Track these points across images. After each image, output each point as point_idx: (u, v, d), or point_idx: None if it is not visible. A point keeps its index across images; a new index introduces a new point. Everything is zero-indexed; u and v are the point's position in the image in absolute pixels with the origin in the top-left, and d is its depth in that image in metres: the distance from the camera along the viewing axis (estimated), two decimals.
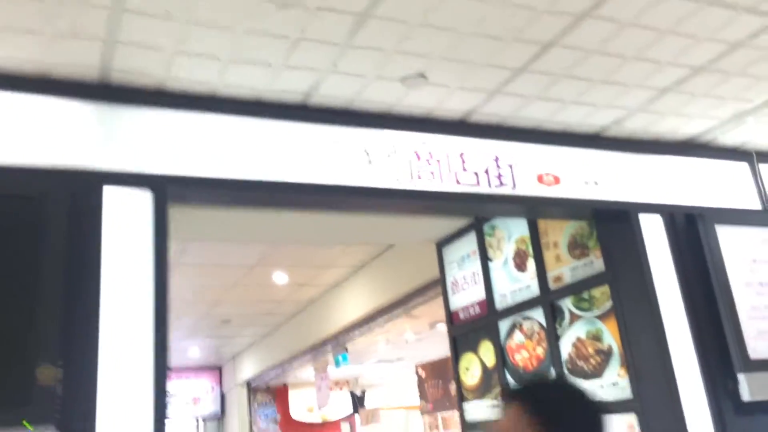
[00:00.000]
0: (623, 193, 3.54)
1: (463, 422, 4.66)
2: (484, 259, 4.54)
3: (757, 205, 3.88)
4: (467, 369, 4.66)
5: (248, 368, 11.02)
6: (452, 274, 4.90)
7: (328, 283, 7.70)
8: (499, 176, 3.27)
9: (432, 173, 3.12)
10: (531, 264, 4.14)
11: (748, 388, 3.20)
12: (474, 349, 4.59)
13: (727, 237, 3.55)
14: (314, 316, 8.52)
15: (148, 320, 2.52)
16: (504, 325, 4.33)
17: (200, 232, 4.63)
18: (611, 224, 3.59)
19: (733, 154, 3.92)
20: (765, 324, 3.38)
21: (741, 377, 3.23)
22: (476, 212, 3.84)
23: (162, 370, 2.46)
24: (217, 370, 12.43)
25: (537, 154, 3.41)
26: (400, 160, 3.09)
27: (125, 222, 2.57)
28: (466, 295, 4.71)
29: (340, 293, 7.84)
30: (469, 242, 4.70)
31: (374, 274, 7.12)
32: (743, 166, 3.94)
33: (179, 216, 4.14)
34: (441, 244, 5.03)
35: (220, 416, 12.30)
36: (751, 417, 3.29)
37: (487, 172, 3.26)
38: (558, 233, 3.97)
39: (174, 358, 10.86)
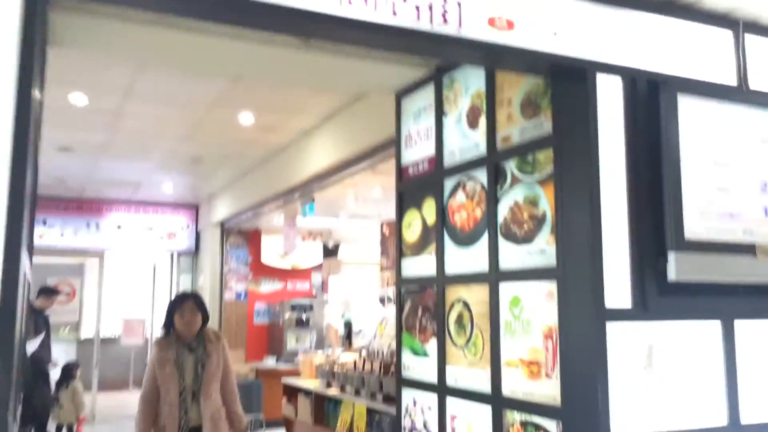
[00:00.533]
0: (583, 49, 3.20)
1: (399, 278, 4.60)
2: (439, 114, 4.26)
3: (732, 81, 3.55)
4: (409, 225, 4.54)
5: (222, 209, 11.05)
6: (407, 127, 4.65)
7: (297, 129, 7.47)
8: (444, 13, 2.92)
9: (365, 0, 2.78)
10: (483, 122, 3.87)
11: (675, 267, 3.06)
12: (418, 206, 4.44)
13: (690, 110, 3.26)
14: (284, 163, 8.37)
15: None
16: (449, 184, 4.14)
17: (158, 56, 4.32)
18: (566, 83, 3.28)
19: (717, 20, 3.53)
20: (710, 206, 3.18)
21: (671, 256, 3.08)
22: (413, 51, 3.44)
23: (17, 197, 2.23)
24: (193, 208, 12.49)
25: None
26: None
27: None
28: (418, 150, 4.48)
29: (309, 142, 7.64)
30: (427, 95, 4.40)
31: (342, 125, 6.87)
32: (726, 36, 3.55)
33: (131, 36, 3.83)
34: (400, 95, 4.73)
35: (194, 253, 12.51)
36: (675, 298, 3.18)
37: (430, 7, 2.90)
38: (513, 90, 3.66)
39: (148, 192, 10.94)
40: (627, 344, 3.11)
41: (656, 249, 3.15)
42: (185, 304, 4.51)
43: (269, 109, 6.78)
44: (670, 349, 3.19)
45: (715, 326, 3.33)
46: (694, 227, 3.12)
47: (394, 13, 2.83)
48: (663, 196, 3.13)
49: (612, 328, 3.09)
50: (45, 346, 7.84)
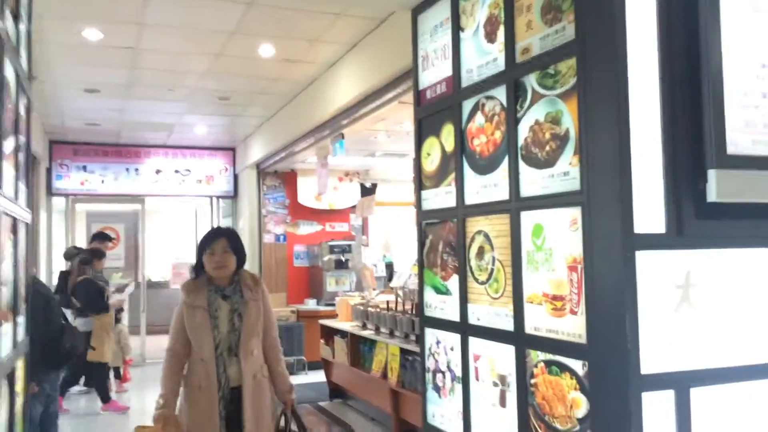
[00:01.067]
0: None
1: (419, 211, 4.30)
2: (456, 29, 3.86)
3: None
4: (428, 154, 4.21)
5: (256, 151, 10.88)
6: (424, 47, 4.26)
7: (321, 61, 7.13)
8: None
9: None
10: (501, 33, 3.47)
11: (716, 186, 2.65)
12: (437, 132, 4.09)
13: (733, 6, 2.79)
14: (311, 98, 8.08)
15: None
16: (467, 106, 3.77)
17: None
18: None
19: None
20: (756, 114, 2.74)
21: (711, 174, 2.68)
22: None
23: None
24: (230, 151, 12.38)
25: None
26: None
27: None
28: (435, 71, 4.11)
29: (334, 73, 7.30)
30: (443, 8, 3.99)
31: (366, 53, 6.51)
32: None
33: None
34: (416, 12, 4.33)
35: (233, 196, 12.46)
36: (715, 222, 2.79)
37: None
38: None
39: (182, 135, 10.83)
40: (660, 275, 2.75)
41: (694, 166, 2.75)
42: (217, 241, 3.77)
43: (288, 39, 6.44)
44: (709, 279, 2.82)
45: (761, 254, 2.94)
46: (739, 140, 2.69)
47: None
48: (702, 105, 2.71)
49: (643, 257, 2.72)
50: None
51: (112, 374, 8.76)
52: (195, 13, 5.72)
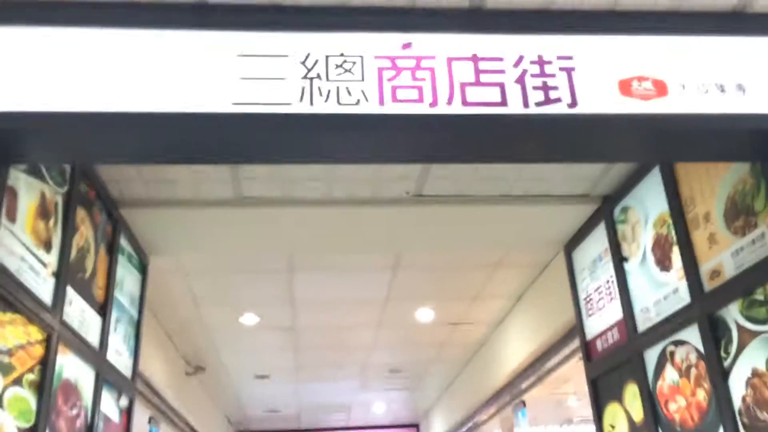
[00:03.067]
0: None
1: None
2: (618, 259, 3.05)
3: None
4: (612, 427, 3.13)
5: (440, 425, 9.90)
6: (584, 287, 3.45)
7: (487, 319, 6.41)
8: (545, 87, 1.93)
9: (418, 89, 1.92)
10: (677, 256, 2.60)
11: None
12: (618, 396, 3.07)
13: None
14: (484, 362, 7.23)
15: None
16: (651, 357, 2.78)
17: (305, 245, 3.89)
18: None
19: None
20: None
21: None
22: (494, 154, 2.29)
23: None
24: (413, 428, 11.48)
25: (616, 49, 2.00)
26: (365, 73, 1.94)
27: None
28: (603, 316, 3.23)
29: (504, 332, 6.50)
30: (599, 238, 3.25)
31: (531, 306, 5.72)
32: None
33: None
34: (570, 248, 3.61)
35: None
36: None
37: (522, 80, 1.94)
38: (709, 197, 2.41)
39: (362, 415, 10.23)
40: None
41: None
42: None
43: (445, 299, 5.89)
44: None
45: None
46: None
47: (465, 102, 1.91)
48: None
49: None
50: None
51: None
52: (342, 285, 5.44)
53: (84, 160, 1.94)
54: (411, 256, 4.94)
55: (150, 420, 6.62)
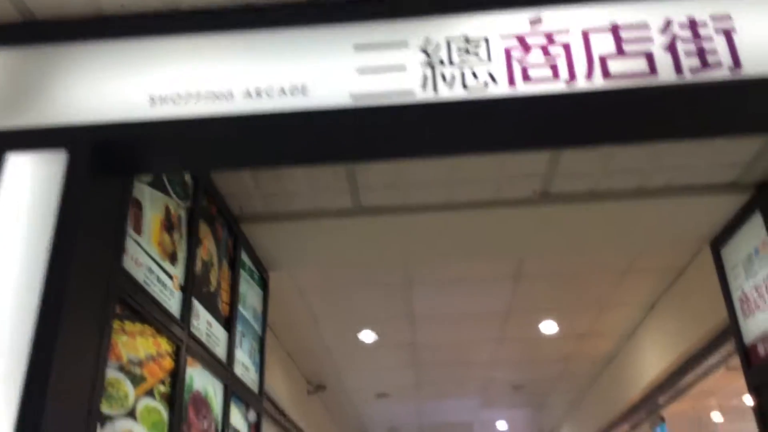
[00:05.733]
0: None
1: None
2: None
3: None
4: None
5: None
6: (738, 285, 3.09)
7: (617, 330, 6.00)
8: (700, 51, 1.70)
9: (552, 66, 1.74)
10: None
11: None
12: None
13: None
14: (615, 376, 6.78)
15: None
16: None
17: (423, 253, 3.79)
18: None
19: None
20: None
21: None
22: (641, 131, 2.02)
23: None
24: None
25: None
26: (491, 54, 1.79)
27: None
28: (765, 317, 2.86)
29: (636, 343, 6.06)
30: (754, 230, 2.90)
31: (668, 313, 5.28)
32: None
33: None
34: (717, 244, 3.25)
35: None
36: None
37: (673, 47, 1.72)
38: None
39: None
40: None
41: None
42: None
43: (569, 310, 5.56)
44: None
45: None
46: None
47: (607, 74, 1.71)
48: None
49: None
50: None
51: None
52: (462, 298, 5.26)
53: (205, 166, 1.90)
54: (533, 265, 4.69)
55: None
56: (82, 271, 1.63)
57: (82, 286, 1.63)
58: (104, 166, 1.70)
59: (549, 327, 5.87)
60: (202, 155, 1.79)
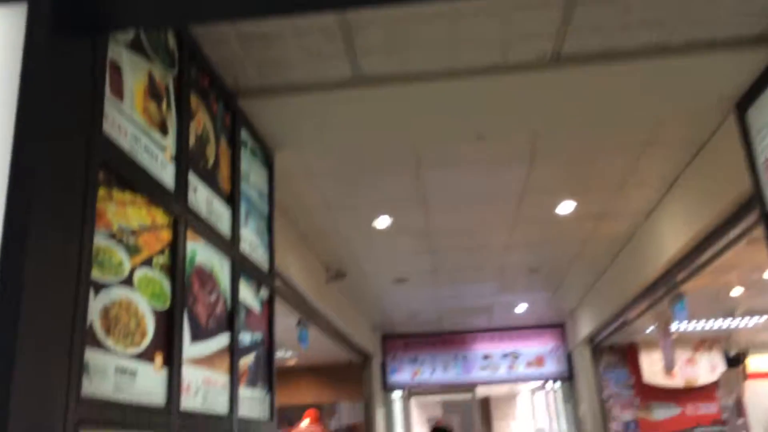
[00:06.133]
0: None
1: None
2: None
3: None
4: None
5: (586, 324, 9.59)
6: (764, 149, 2.94)
7: (635, 209, 5.92)
8: None
9: None
10: None
11: None
12: None
13: None
14: (634, 255, 6.76)
15: None
16: None
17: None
18: None
19: None
20: None
21: None
22: None
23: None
24: (558, 328, 11.24)
25: None
26: None
27: None
28: None
29: (655, 222, 5.99)
30: None
31: (688, 189, 5.17)
32: None
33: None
34: (742, 105, 3.08)
35: (568, 377, 11.06)
36: None
37: None
38: None
39: (504, 316, 10.16)
40: None
41: None
42: None
43: (587, 191, 5.46)
44: None
45: None
46: None
47: None
48: None
49: None
50: None
51: None
52: (474, 181, 5.16)
53: (180, 17, 1.76)
54: (548, 143, 4.54)
55: (299, 322, 6.86)
56: (56, 135, 1.55)
57: (57, 150, 1.55)
58: (68, 19, 1.58)
59: (565, 207, 5.79)
60: (174, 4, 1.65)
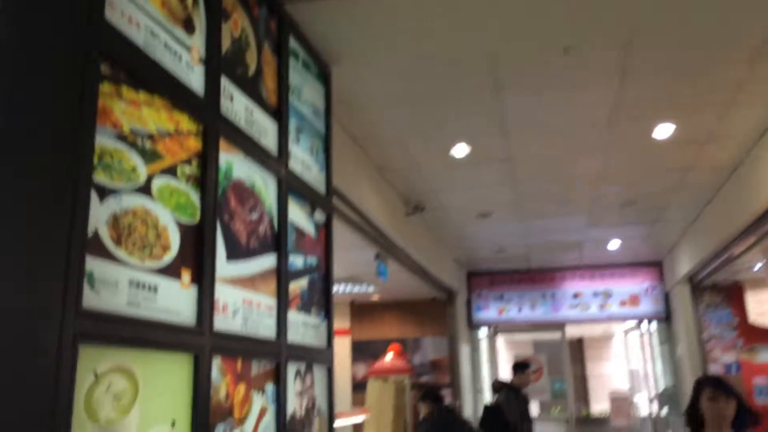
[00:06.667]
0: None
1: None
2: None
3: None
4: None
5: (685, 261, 8.98)
6: None
7: (744, 131, 5.30)
8: None
9: None
10: None
11: None
12: None
13: None
14: (741, 185, 6.15)
15: None
16: None
17: None
18: None
19: None
20: None
21: None
22: None
23: None
24: (655, 266, 10.63)
25: None
26: None
27: None
28: None
29: (766, 147, 5.36)
30: None
31: None
32: None
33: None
34: None
35: (666, 318, 10.50)
36: None
37: None
38: None
39: (595, 254, 9.69)
40: None
41: None
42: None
43: (687, 111, 4.90)
44: None
45: None
46: None
47: None
48: None
49: None
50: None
51: None
52: (559, 103, 4.73)
53: None
54: (643, 54, 4.03)
55: (377, 256, 6.72)
56: (45, 16, 1.38)
57: (44, 32, 1.38)
58: None
59: (663, 131, 5.26)
60: None
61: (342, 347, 10.53)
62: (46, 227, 1.39)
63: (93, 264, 1.48)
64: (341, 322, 10.68)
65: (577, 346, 16.98)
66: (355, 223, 5.53)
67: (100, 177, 1.53)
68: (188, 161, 1.91)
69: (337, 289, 9.40)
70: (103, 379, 1.48)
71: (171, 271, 1.78)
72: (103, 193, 1.55)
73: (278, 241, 2.46)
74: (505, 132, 5.24)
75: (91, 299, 1.46)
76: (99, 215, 1.52)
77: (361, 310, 10.85)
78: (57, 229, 1.38)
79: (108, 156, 1.57)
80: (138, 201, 1.67)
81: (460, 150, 5.61)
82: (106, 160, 1.56)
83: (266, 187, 2.43)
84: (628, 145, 5.57)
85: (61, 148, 1.42)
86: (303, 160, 2.81)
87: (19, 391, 1.31)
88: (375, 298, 10.44)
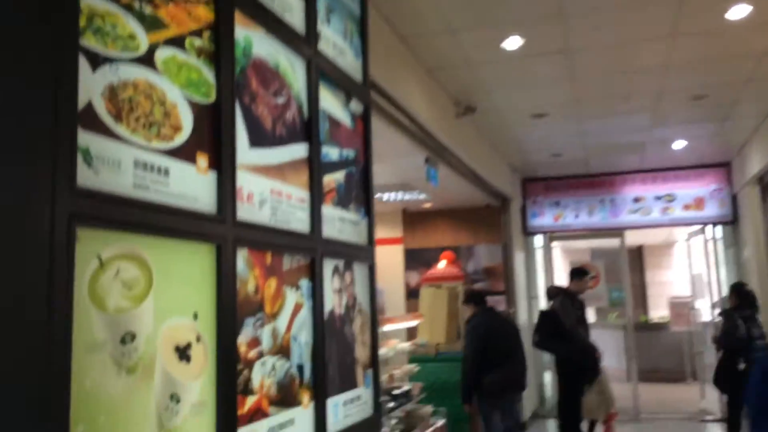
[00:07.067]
0: None
1: None
2: None
3: None
4: None
5: (756, 161, 8.43)
6: None
7: None
8: None
9: None
10: None
11: None
12: None
13: None
14: None
15: None
16: None
17: None
18: None
19: None
20: None
21: None
22: None
23: None
24: (722, 167, 10.06)
25: None
26: None
27: None
28: None
29: None
30: None
31: None
32: None
33: None
34: None
35: (732, 221, 10.03)
36: None
37: None
38: None
39: (659, 155, 9.23)
40: None
41: None
42: None
43: None
44: None
45: None
46: None
47: None
48: None
49: None
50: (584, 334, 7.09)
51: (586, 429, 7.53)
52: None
53: None
54: None
55: (427, 160, 6.50)
56: None
57: None
58: None
59: (738, 12, 4.75)
60: None
61: (395, 255, 10.51)
62: (28, 97, 1.24)
63: (88, 139, 1.33)
64: (394, 230, 10.61)
65: (637, 254, 16.61)
66: (403, 125, 5.30)
67: (90, 42, 1.36)
68: (198, 33, 1.72)
69: (389, 197, 9.26)
70: (109, 265, 1.36)
71: (184, 153, 1.62)
72: (96, 60, 1.38)
73: (309, 129, 2.27)
74: (561, 19, 4.84)
75: (88, 178, 1.32)
76: (92, 85, 1.36)
77: (413, 218, 10.73)
78: (40, 98, 1.23)
79: (99, 18, 1.39)
80: (139, 72, 1.50)
81: (512, 42, 5.23)
82: (96, 22, 1.38)
83: (293, 69, 2.22)
84: (699, 29, 5.08)
85: (43, 6, 1.24)
86: (335, 44, 2.58)
87: (11, 273, 1.20)
88: (427, 206, 10.28)
